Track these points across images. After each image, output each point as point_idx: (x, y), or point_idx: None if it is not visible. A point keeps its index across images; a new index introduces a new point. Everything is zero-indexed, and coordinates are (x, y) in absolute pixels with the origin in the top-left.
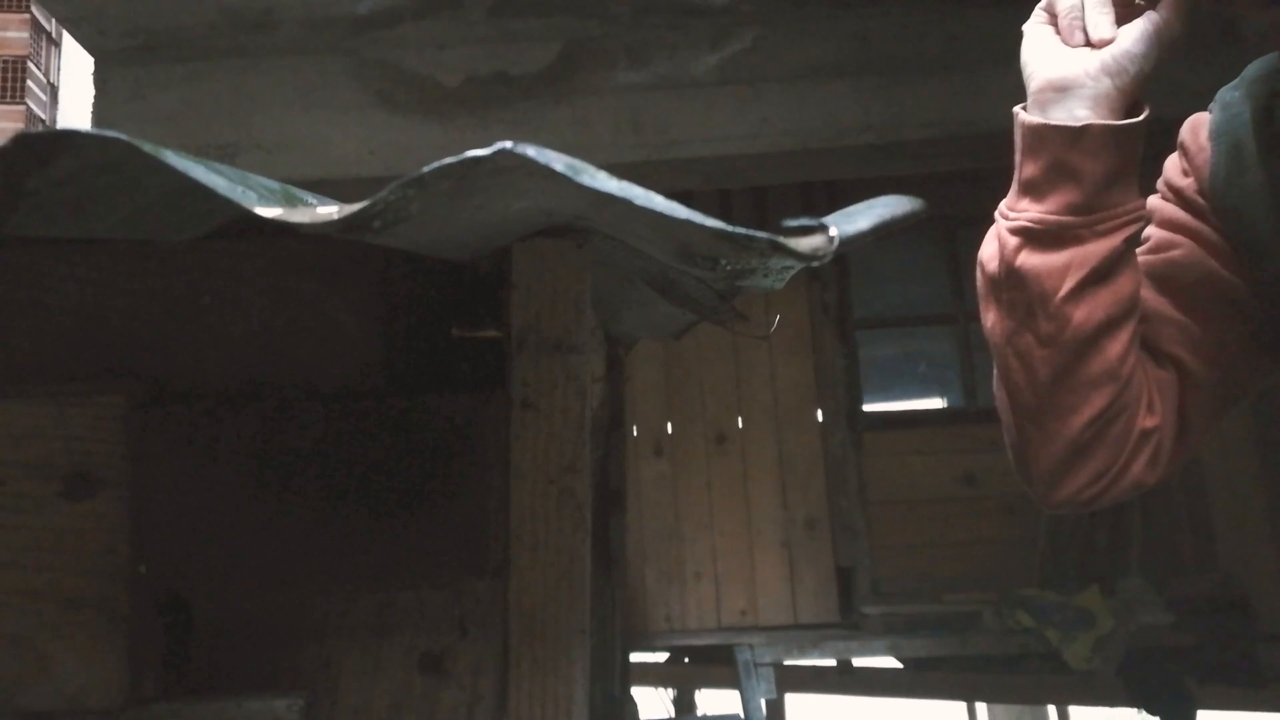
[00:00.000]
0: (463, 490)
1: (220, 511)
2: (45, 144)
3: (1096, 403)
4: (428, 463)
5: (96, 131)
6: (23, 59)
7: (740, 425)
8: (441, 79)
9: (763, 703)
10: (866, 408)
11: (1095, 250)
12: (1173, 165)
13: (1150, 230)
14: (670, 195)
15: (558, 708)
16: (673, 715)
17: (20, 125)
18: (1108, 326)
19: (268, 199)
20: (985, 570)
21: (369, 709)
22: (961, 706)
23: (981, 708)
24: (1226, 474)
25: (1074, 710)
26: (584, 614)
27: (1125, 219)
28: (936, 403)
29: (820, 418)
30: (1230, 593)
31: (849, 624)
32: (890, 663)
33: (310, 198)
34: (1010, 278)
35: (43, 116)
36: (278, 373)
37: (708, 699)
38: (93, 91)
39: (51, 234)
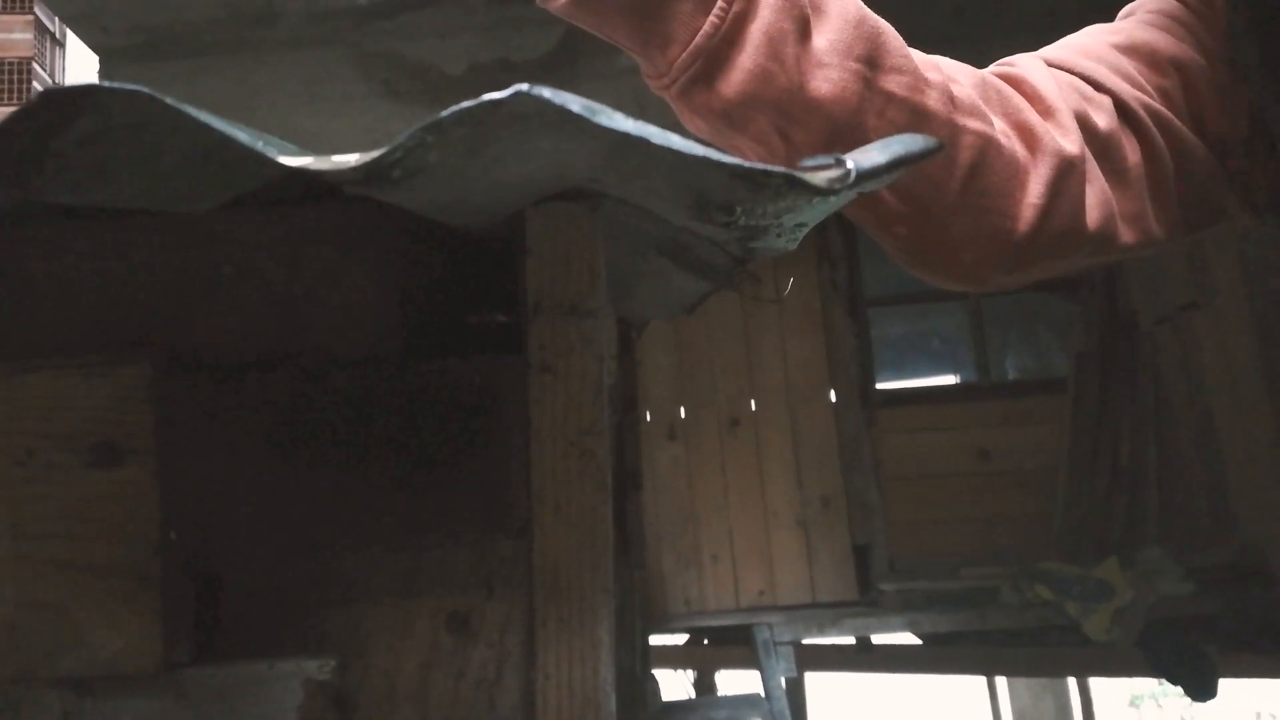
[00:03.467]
0: (484, 451)
1: (247, 478)
2: (69, 100)
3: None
4: (449, 426)
5: (119, 85)
6: (28, 60)
7: (753, 407)
8: (444, 68)
9: (783, 681)
10: (879, 386)
11: None
12: None
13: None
14: None
15: (585, 664)
16: (694, 696)
17: None
18: None
19: (288, 153)
20: (1002, 545)
21: (399, 669)
22: (982, 681)
23: (1002, 682)
24: (1243, 442)
25: (1095, 682)
26: (607, 573)
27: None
28: (949, 379)
29: (833, 397)
30: (1249, 561)
31: (867, 601)
32: (909, 639)
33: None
34: None
35: None
36: (299, 341)
37: (728, 679)
38: None
39: (75, 200)
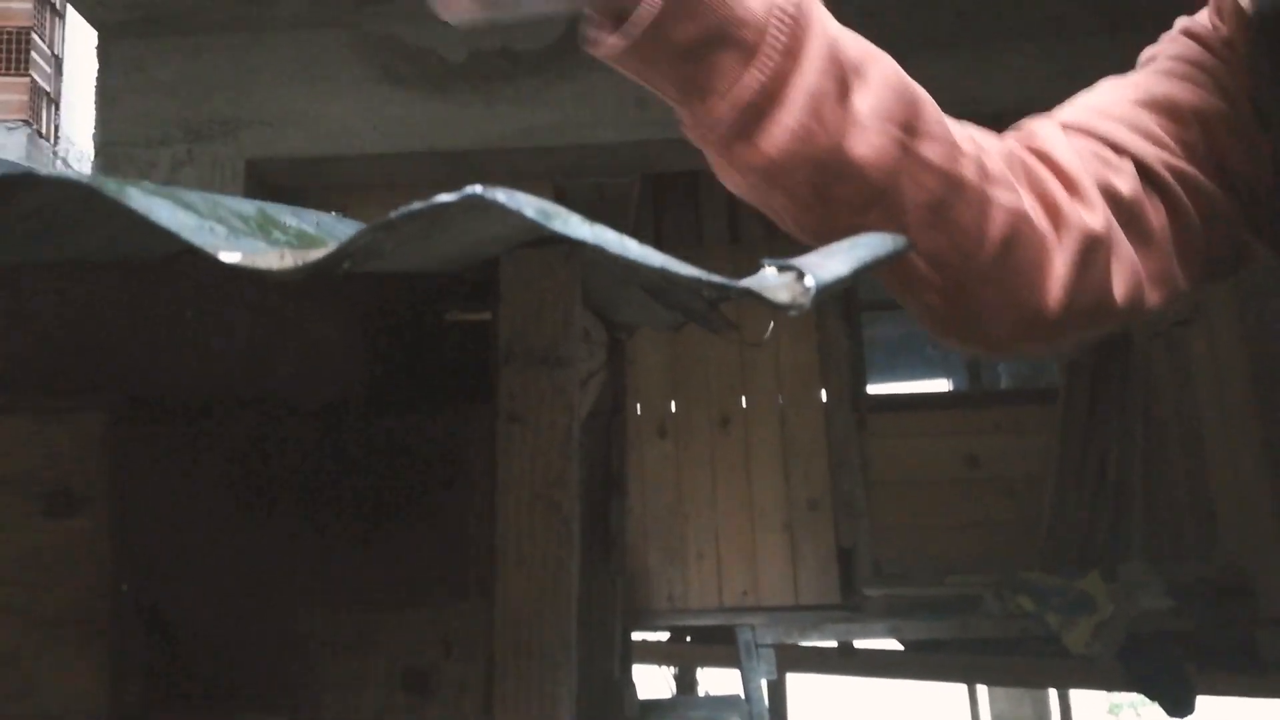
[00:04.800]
0: (446, 506)
1: (203, 528)
2: (6, 185)
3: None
4: (410, 481)
5: (57, 175)
6: (27, 30)
7: (744, 406)
8: (445, 54)
9: (764, 683)
10: (870, 389)
11: None
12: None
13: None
14: (675, 175)
15: None
16: (675, 692)
17: (24, 97)
18: None
19: (238, 231)
20: (987, 552)
21: None
22: (962, 688)
23: (982, 688)
24: (1230, 459)
25: (1074, 694)
26: (570, 628)
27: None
28: (941, 383)
29: (824, 399)
30: (1232, 578)
31: (850, 605)
32: (891, 645)
33: (289, 217)
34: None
35: (47, 88)
36: (261, 389)
37: (709, 678)
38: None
39: (22, 258)
